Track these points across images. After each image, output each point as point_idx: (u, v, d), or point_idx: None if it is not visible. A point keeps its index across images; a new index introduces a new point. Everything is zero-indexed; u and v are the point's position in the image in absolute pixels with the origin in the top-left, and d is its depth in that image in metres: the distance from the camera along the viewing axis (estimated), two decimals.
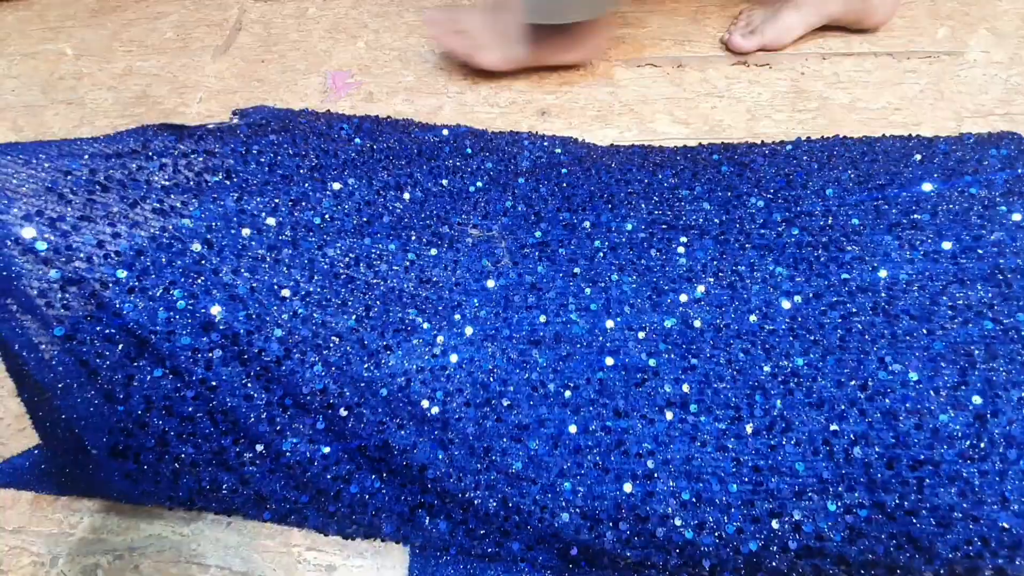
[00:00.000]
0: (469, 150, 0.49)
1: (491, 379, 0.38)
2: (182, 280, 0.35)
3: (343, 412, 0.36)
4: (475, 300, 0.41)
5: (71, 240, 0.33)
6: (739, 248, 0.41)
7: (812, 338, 0.37)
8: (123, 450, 0.36)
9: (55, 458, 0.38)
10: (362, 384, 0.37)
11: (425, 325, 0.40)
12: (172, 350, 0.34)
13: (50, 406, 0.35)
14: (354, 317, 0.38)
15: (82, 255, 0.33)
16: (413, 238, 0.43)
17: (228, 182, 0.39)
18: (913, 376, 0.36)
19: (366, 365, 0.37)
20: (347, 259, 0.40)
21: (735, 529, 0.34)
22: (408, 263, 0.42)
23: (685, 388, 0.37)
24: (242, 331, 0.35)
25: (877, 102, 0.64)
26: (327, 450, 0.37)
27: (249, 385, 0.36)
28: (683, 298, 0.39)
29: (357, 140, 0.45)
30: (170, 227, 0.36)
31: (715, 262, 0.40)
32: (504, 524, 0.35)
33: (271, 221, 0.39)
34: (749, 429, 0.35)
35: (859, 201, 0.42)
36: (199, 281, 0.35)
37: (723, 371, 0.37)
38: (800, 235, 0.41)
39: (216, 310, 0.35)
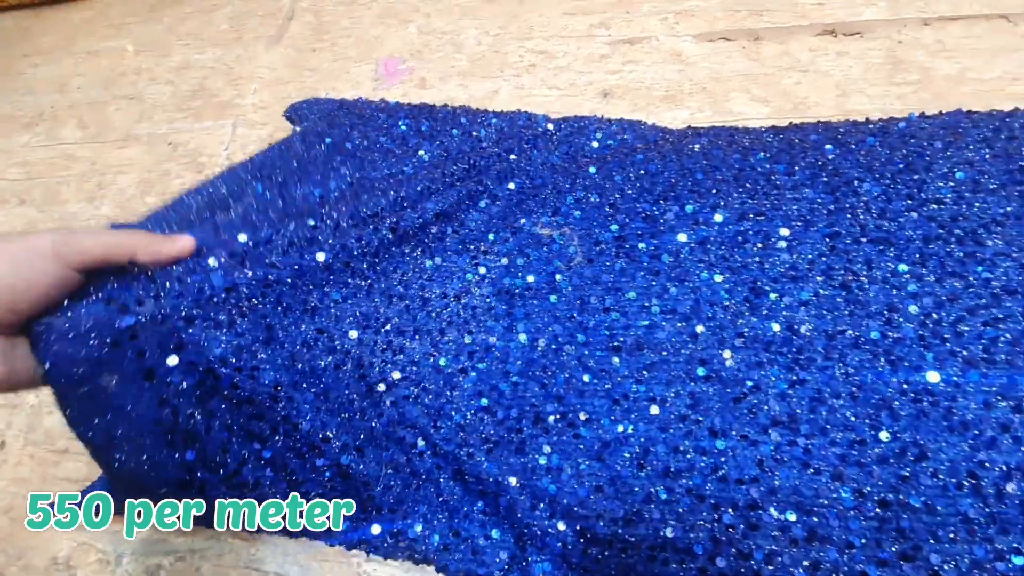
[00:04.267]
0: (531, 142, 0.44)
1: (567, 391, 0.34)
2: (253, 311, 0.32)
3: (420, 443, 0.33)
4: (547, 306, 0.37)
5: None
6: (853, 242, 0.34)
7: (948, 348, 0.31)
8: (189, 481, 0.33)
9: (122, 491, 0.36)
10: (434, 411, 0.33)
11: (497, 341, 0.36)
12: (251, 385, 0.31)
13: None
14: (429, 341, 0.35)
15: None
16: (483, 249, 0.39)
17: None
18: None
19: (443, 390, 0.34)
20: (420, 280, 0.36)
21: (859, 572, 0.28)
22: (478, 277, 0.38)
23: (793, 405, 0.31)
24: (323, 363, 0.33)
25: (990, 72, 0.55)
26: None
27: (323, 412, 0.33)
28: (787, 300, 0.34)
29: (422, 153, 0.41)
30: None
31: (824, 258, 0.34)
32: (582, 560, 0.31)
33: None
34: (873, 456, 0.29)
35: (999, 186, 0.35)
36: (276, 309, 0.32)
37: (839, 386, 0.31)
38: (927, 227, 0.34)
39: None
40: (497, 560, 0.32)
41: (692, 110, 0.57)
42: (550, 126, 0.47)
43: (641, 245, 0.37)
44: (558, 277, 0.38)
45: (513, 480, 0.32)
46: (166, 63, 0.73)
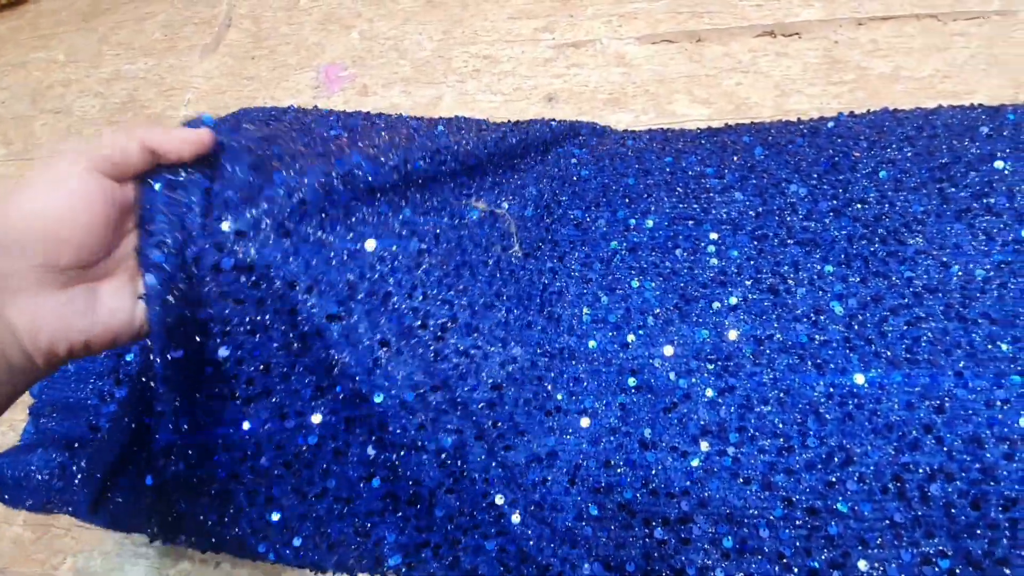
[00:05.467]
0: (472, 151, 0.42)
1: (499, 403, 0.33)
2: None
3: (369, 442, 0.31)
4: (475, 308, 0.35)
5: None
6: (780, 245, 0.34)
7: (873, 350, 0.31)
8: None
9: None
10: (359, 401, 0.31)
11: (425, 337, 0.34)
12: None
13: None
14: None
15: None
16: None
17: None
18: (1000, 393, 0.29)
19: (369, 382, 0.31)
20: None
21: None
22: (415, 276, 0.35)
23: (723, 414, 0.30)
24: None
25: (922, 70, 0.56)
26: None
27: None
28: (716, 306, 0.33)
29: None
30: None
31: (752, 262, 0.34)
32: None
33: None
34: (801, 462, 0.29)
35: (920, 184, 0.35)
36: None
37: (767, 392, 0.30)
38: (852, 227, 0.34)
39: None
40: (400, 544, 0.31)
41: (636, 112, 0.57)
42: (488, 130, 0.46)
43: (573, 253, 0.36)
44: (490, 278, 0.36)
45: (448, 500, 0.31)
46: (96, 74, 0.70)
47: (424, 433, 0.30)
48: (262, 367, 0.29)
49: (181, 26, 0.72)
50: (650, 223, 0.36)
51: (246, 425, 0.30)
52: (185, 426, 0.30)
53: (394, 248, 0.31)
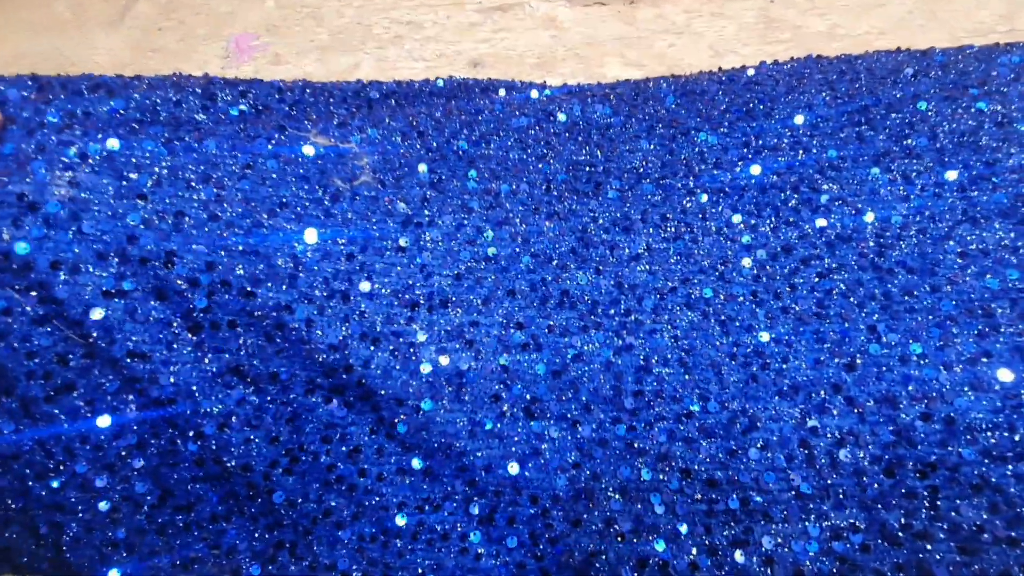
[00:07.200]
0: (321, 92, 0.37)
1: (345, 355, 0.28)
2: None
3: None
4: (300, 258, 0.29)
5: None
6: (687, 194, 0.31)
7: (780, 305, 0.28)
8: None
9: None
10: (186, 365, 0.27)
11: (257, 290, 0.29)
12: None
13: None
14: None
15: None
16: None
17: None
18: (916, 348, 0.26)
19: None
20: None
21: (687, 564, 0.25)
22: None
23: (618, 376, 0.27)
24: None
25: (859, 27, 0.54)
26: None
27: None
28: (616, 255, 0.30)
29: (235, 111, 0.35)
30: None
31: (655, 209, 0.31)
32: (383, 554, 0.26)
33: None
34: (701, 429, 0.26)
35: (837, 128, 0.32)
36: None
37: (667, 352, 0.27)
38: (762, 175, 0.31)
39: None
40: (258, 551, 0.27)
41: (565, 76, 0.54)
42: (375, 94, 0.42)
43: (453, 182, 0.32)
44: (337, 206, 0.30)
45: (284, 478, 0.27)
46: None
47: (245, 408, 0.26)
48: (55, 359, 0.25)
49: (89, 1, 0.67)
50: (545, 167, 0.33)
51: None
52: None
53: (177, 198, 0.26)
